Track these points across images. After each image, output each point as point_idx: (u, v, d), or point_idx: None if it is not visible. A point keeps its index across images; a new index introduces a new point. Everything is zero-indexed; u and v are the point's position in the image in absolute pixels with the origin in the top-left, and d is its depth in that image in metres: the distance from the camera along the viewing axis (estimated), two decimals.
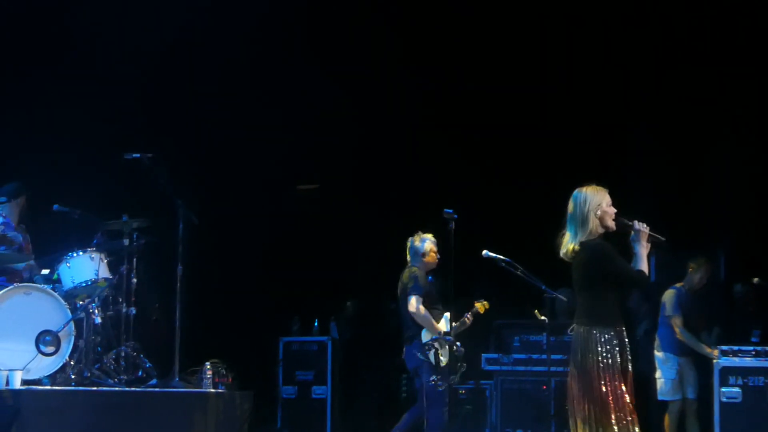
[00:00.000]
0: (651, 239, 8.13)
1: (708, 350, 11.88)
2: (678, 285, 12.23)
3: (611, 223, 8.12)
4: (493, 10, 13.87)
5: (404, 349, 10.60)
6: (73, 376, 10.87)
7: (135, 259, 11.68)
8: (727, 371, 11.73)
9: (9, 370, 10.28)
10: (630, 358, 8.13)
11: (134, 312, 11.60)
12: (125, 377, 11.23)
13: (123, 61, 13.74)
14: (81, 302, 11.24)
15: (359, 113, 14.24)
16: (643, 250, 8.07)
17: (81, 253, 11.32)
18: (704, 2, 13.35)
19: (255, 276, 13.94)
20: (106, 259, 11.45)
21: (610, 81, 14.05)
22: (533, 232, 13.56)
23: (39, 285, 11.05)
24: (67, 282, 11.26)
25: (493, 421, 12.96)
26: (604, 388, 8.00)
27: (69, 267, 11.28)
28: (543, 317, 10.48)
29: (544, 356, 12.48)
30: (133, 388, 11.03)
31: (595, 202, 8.16)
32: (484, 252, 9.95)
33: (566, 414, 12.45)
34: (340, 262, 10.91)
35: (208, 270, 13.34)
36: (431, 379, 10.17)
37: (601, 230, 8.12)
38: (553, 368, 12.26)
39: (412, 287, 10.54)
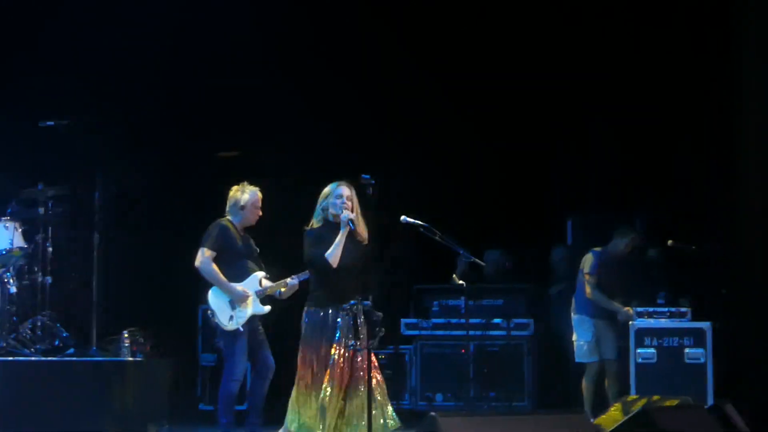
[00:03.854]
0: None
1: (620, 307, 12.02)
2: (597, 249, 12.34)
3: (335, 211, 9.44)
4: None
5: None
6: None
7: (51, 228, 11.59)
8: (642, 332, 11.89)
9: None
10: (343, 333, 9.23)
11: (50, 281, 11.53)
12: (42, 347, 11.20)
13: (44, 25, 13.54)
14: None
15: (279, 78, 14.15)
16: (340, 236, 9.34)
17: None
18: None
19: (173, 243, 13.83)
20: (21, 227, 11.36)
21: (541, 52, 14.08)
22: (455, 197, 13.71)
23: None
24: None
25: (413, 385, 13.04)
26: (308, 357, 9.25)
27: None
28: (461, 282, 10.53)
29: (462, 320, 12.62)
30: (49, 358, 10.98)
31: (322, 196, 9.54)
32: (403, 218, 9.91)
33: (486, 377, 12.71)
34: (260, 229, 10.87)
35: (126, 237, 13.22)
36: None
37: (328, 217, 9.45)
38: (471, 332, 12.43)
39: (203, 239, 10.23)
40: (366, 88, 14.12)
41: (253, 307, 10.14)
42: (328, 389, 9.11)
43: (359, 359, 9.16)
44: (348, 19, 13.96)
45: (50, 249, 11.56)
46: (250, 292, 10.15)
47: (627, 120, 13.85)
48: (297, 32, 14.10)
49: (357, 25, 13.98)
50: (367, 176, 10.13)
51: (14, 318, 11.22)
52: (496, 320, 12.92)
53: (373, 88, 14.13)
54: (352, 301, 9.90)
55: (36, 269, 11.53)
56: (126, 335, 11.41)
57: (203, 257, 10.14)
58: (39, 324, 11.37)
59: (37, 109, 12.25)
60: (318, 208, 9.51)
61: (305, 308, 9.38)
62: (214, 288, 10.15)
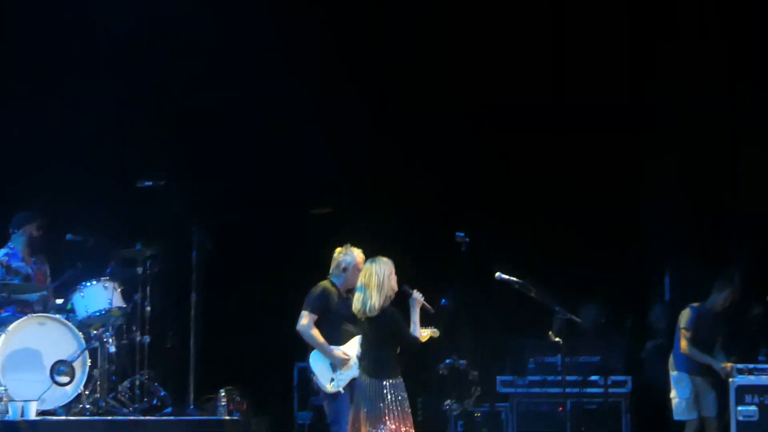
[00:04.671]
0: (423, 308, 9.46)
1: (722, 365, 11.83)
2: (695, 304, 12.19)
3: (396, 287, 9.39)
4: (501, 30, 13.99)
5: None
6: (88, 406, 10.92)
7: (149, 287, 11.72)
8: (743, 390, 11.68)
9: (24, 400, 10.33)
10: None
11: (148, 340, 11.66)
12: (140, 406, 11.30)
13: (138, 86, 13.80)
14: (95, 331, 11.31)
15: (374, 135, 14.25)
16: (416, 316, 9.38)
17: (94, 282, 11.39)
18: None
19: (269, 301, 13.93)
20: (119, 287, 11.50)
21: (624, 97, 14.03)
22: (551, 252, 13.64)
23: (53, 315, 11.08)
24: (81, 311, 11.32)
25: None
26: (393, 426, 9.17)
27: (83, 296, 11.34)
28: (557, 338, 10.46)
29: (559, 377, 12.48)
30: (148, 417, 11.07)
31: (389, 270, 9.35)
32: (497, 274, 9.91)
33: None
34: None
35: (222, 296, 13.33)
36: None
37: (391, 294, 9.35)
38: (568, 389, 12.27)
39: (306, 301, 10.18)
40: (456, 148, 14.17)
41: (353, 370, 9.98)
42: None
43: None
44: (428, 85, 14.09)
45: (148, 308, 11.68)
46: (351, 356, 10.10)
47: (725, 173, 13.73)
48: (387, 96, 14.22)
49: (443, 91, 14.11)
50: (462, 234, 10.15)
51: (113, 377, 11.33)
52: (594, 377, 12.76)
53: (463, 148, 14.17)
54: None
55: (134, 328, 11.66)
56: (223, 394, 11.45)
57: (303, 320, 10.12)
58: (137, 383, 11.48)
59: (135, 170, 12.42)
60: (384, 286, 9.33)
61: (393, 381, 9.30)
62: (314, 351, 10.15)
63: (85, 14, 13.45)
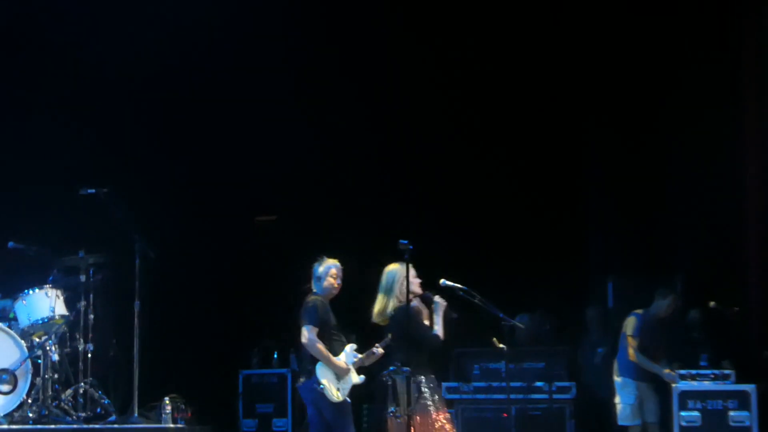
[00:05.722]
0: (446, 312, 10.05)
1: (665, 371, 11.94)
2: (638, 311, 12.27)
3: (418, 290, 10.01)
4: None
5: (302, 382, 10.28)
6: (30, 415, 10.85)
7: (92, 295, 11.65)
8: (685, 395, 11.79)
9: None
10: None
11: (92, 348, 11.57)
12: (84, 414, 11.23)
13: (81, 93, 13.72)
14: (38, 339, 11.22)
15: (318, 145, 14.26)
16: (440, 318, 10.01)
17: (37, 290, 11.32)
18: None
19: (213, 309, 13.90)
20: (62, 295, 11.43)
21: (568, 114, 14.13)
22: (491, 261, 13.70)
23: None
24: (24, 319, 11.25)
25: None
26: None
27: (25, 304, 11.27)
28: (501, 345, 10.50)
29: (503, 384, 12.53)
30: (91, 425, 11.00)
31: (401, 275, 9.92)
32: (442, 281, 9.95)
33: None
34: (299, 294, 10.89)
35: (166, 304, 13.24)
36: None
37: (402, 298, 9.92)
38: (512, 396, 12.33)
39: (305, 316, 10.22)
40: (401, 158, 14.22)
41: (352, 378, 10.28)
42: None
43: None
44: (382, 96, 14.14)
45: (92, 316, 11.61)
46: (350, 365, 10.26)
47: (666, 181, 13.86)
48: (329, 104, 14.25)
49: (386, 100, 14.16)
50: (405, 241, 10.15)
51: (56, 386, 11.24)
52: (538, 383, 12.82)
53: (408, 157, 14.22)
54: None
55: (78, 336, 11.58)
56: (167, 402, 11.42)
57: (310, 335, 10.13)
58: (81, 391, 11.40)
59: (77, 177, 12.34)
60: (396, 286, 10.03)
61: (423, 377, 9.97)
62: (320, 363, 10.17)
63: (28, 22, 13.41)
